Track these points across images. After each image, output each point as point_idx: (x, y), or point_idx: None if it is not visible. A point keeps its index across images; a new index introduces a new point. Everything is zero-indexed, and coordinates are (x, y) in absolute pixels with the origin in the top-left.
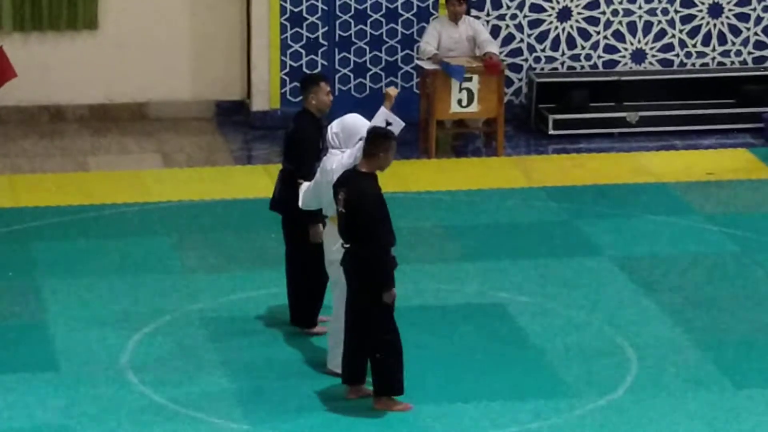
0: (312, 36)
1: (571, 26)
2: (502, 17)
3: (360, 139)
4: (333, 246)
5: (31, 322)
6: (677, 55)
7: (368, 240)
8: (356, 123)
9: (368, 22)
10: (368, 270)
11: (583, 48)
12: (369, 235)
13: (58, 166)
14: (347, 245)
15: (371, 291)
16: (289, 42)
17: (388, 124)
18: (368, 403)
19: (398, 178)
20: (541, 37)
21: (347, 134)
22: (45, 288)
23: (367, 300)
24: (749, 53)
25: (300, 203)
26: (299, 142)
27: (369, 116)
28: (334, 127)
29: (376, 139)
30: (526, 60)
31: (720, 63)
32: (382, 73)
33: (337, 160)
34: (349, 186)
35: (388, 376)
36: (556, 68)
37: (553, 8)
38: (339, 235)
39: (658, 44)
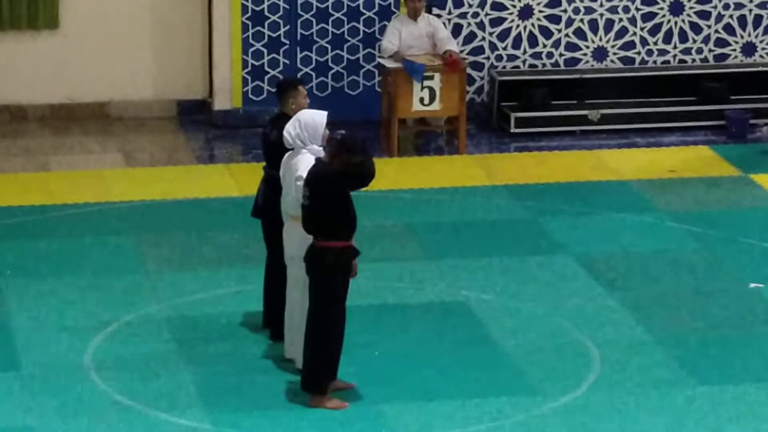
0: (274, 35)
1: (533, 24)
2: (463, 15)
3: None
4: (292, 245)
5: None
6: (638, 53)
7: (349, 180)
8: (314, 118)
9: (330, 20)
10: (325, 261)
11: (544, 46)
12: (346, 180)
13: (19, 166)
14: (310, 239)
15: (325, 285)
16: (251, 41)
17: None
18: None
19: None
20: (503, 36)
21: (312, 132)
22: (6, 288)
23: (322, 295)
24: (710, 51)
25: (284, 217)
26: (283, 148)
27: (331, 114)
28: (292, 130)
29: (342, 149)
30: (487, 58)
31: (681, 60)
32: (344, 72)
33: (304, 162)
34: (312, 176)
35: (321, 375)
36: (518, 66)
37: (514, 6)
38: (302, 229)
39: (620, 42)
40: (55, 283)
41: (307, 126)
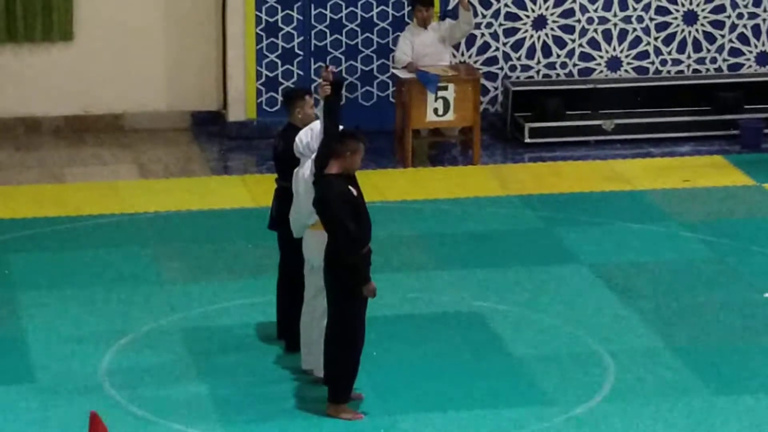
0: (287, 46)
1: (547, 34)
2: (477, 26)
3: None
4: (312, 254)
5: (6, 334)
6: (652, 63)
7: (334, 239)
8: None
9: (343, 31)
10: (338, 270)
11: (558, 56)
12: (334, 235)
13: (34, 177)
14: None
15: (343, 293)
16: (265, 52)
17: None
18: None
19: (374, 188)
20: (517, 46)
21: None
22: (21, 300)
23: (340, 303)
24: (724, 60)
25: (294, 233)
26: (292, 159)
27: (345, 125)
28: (304, 138)
29: (343, 140)
30: (501, 68)
31: (695, 70)
32: (358, 83)
33: (309, 161)
34: (317, 189)
35: (342, 383)
36: (532, 76)
37: (528, 17)
38: (321, 239)
39: (634, 52)
40: (70, 294)
41: (318, 134)
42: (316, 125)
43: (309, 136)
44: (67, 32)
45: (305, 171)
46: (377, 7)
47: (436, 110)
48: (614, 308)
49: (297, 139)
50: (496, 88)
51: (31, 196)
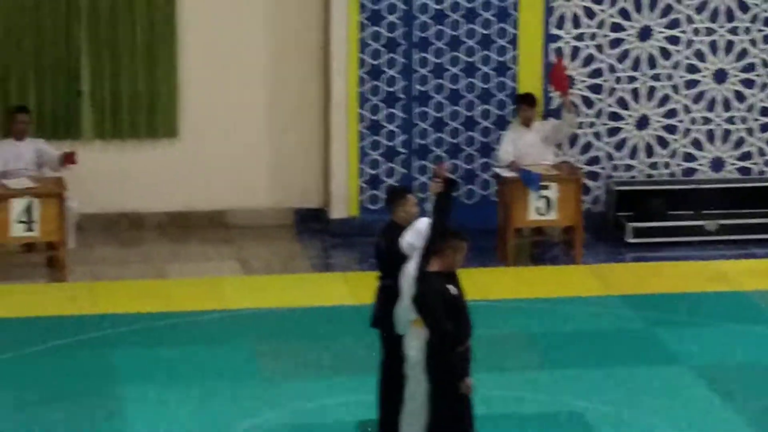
0: (390, 144)
1: (650, 134)
2: (579, 125)
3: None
4: (413, 350)
5: (109, 429)
6: (756, 164)
7: (431, 336)
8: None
9: (446, 130)
10: (436, 367)
11: (661, 156)
12: (431, 332)
13: (137, 273)
14: None
15: (442, 391)
16: (368, 150)
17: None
18: None
19: (476, 286)
20: (619, 145)
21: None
22: (124, 395)
23: (439, 401)
24: None
25: (398, 328)
26: (395, 257)
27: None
28: (409, 237)
29: (445, 238)
30: (603, 168)
31: None
32: (461, 181)
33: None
34: (416, 286)
35: None
36: (634, 176)
37: (631, 116)
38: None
39: (737, 152)
40: (172, 390)
41: (421, 234)
42: (420, 223)
43: (412, 236)
44: (172, 129)
45: (411, 267)
46: (480, 106)
47: (538, 209)
48: (718, 410)
49: (402, 239)
50: (598, 188)
51: (134, 292)
